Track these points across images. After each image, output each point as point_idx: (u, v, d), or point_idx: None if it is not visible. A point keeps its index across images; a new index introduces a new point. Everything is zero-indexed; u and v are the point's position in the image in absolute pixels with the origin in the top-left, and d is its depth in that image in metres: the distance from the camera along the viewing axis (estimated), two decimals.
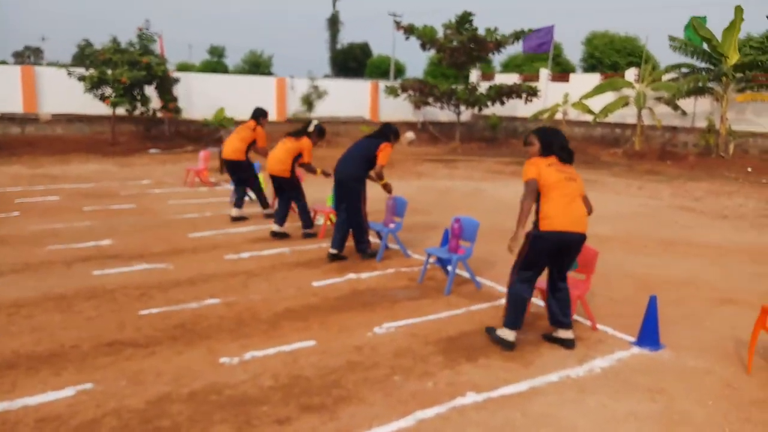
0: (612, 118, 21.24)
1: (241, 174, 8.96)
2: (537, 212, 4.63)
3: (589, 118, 22.18)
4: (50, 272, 6.18)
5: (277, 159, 7.83)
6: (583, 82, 23.46)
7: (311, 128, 8.04)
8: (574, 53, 72.22)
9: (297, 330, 4.89)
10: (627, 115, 21.29)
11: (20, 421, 3.46)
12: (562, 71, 29.75)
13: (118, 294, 5.58)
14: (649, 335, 4.69)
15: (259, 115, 9.02)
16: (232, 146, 8.86)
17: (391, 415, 3.65)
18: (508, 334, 4.63)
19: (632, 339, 4.86)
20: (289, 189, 7.97)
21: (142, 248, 7.18)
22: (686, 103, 20.04)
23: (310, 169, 8.03)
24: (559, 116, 22.91)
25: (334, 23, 56.70)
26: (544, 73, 25.10)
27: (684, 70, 19.85)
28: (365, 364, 4.32)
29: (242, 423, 3.52)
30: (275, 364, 4.27)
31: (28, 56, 65.10)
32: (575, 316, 5.18)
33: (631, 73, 22.27)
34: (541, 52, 24.13)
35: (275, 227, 7.90)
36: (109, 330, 4.78)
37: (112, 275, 6.13)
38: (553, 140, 4.79)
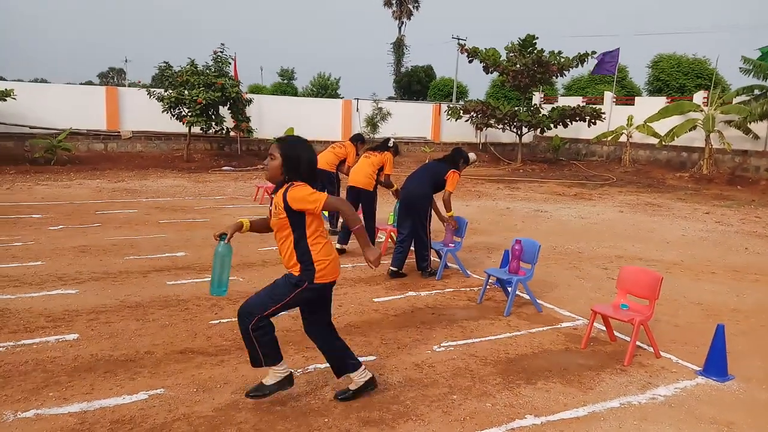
0: (678, 141, 20.63)
1: (328, 185, 9.16)
2: None
3: (653, 141, 21.63)
4: (128, 281, 6.57)
5: (362, 172, 8.16)
6: (648, 104, 22.95)
7: (390, 144, 8.33)
8: (639, 76, 70.46)
9: (358, 345, 5.02)
10: (694, 138, 20.65)
11: (97, 422, 3.70)
12: (627, 94, 29.10)
13: (191, 304, 5.88)
14: (715, 364, 4.56)
15: (357, 140, 9.71)
16: (326, 158, 9.22)
17: None
18: None
19: (698, 368, 4.74)
20: (367, 203, 8.21)
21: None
22: (759, 127, 19.26)
23: (388, 183, 8.30)
24: (623, 138, 22.47)
25: (399, 47, 57.43)
26: (609, 95, 24.73)
27: (756, 92, 19.14)
28: (424, 382, 4.40)
29: None
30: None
31: (112, 77, 69.06)
32: (638, 343, 5.10)
33: (699, 96, 21.65)
34: (606, 74, 23.82)
35: (338, 246, 8.10)
36: (181, 338, 5.05)
37: (185, 286, 6.47)
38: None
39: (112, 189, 13.62)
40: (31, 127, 18.71)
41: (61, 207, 11.00)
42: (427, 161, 7.47)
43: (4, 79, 19.97)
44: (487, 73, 23.34)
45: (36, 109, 18.81)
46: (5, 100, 16.98)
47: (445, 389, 4.29)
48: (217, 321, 5.45)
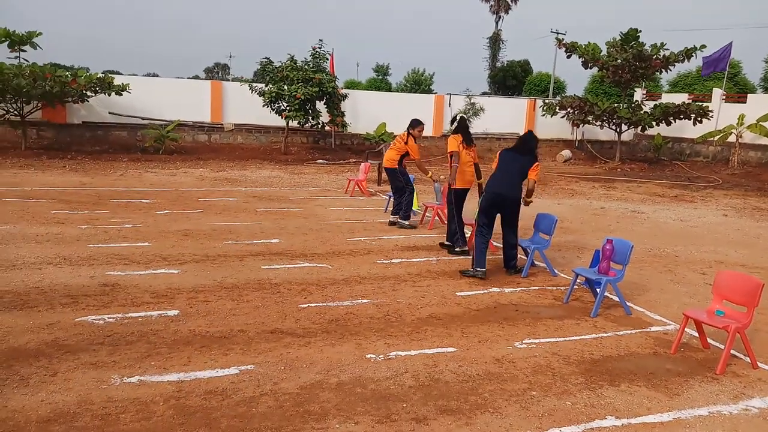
0: None
1: (396, 182, 9.47)
2: None
3: (766, 141, 20.13)
4: (225, 264, 6.98)
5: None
6: (763, 103, 21.37)
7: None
8: (755, 72, 65.40)
9: (439, 336, 5.09)
10: None
11: (192, 391, 3.99)
12: (739, 91, 27.19)
13: (282, 288, 6.17)
14: None
15: (409, 126, 9.49)
16: (388, 156, 9.56)
17: (526, 428, 3.70)
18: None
19: None
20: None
21: (305, 248, 7.83)
22: None
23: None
24: (731, 139, 21.04)
25: (495, 41, 56.60)
26: (717, 92, 23.23)
27: None
28: (503, 376, 4.40)
29: (383, 416, 3.77)
30: (417, 365, 4.50)
31: (217, 72, 72.64)
32: (733, 351, 4.84)
33: None
34: (717, 71, 22.38)
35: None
36: (272, 319, 5.32)
37: (278, 270, 6.79)
38: None
39: (214, 178, 14.41)
40: (143, 118, 20.10)
41: (168, 193, 11.78)
42: (500, 153, 7.29)
43: (121, 74, 21.55)
44: (586, 69, 22.62)
45: (147, 102, 20.16)
46: (121, 93, 18.31)
47: (525, 385, 4.28)
48: (306, 305, 5.69)
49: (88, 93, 17.91)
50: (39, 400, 3.75)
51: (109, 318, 5.14)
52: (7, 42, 17.94)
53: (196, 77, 54.14)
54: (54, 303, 5.43)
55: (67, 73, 17.79)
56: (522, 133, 8.16)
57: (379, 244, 8.26)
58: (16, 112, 17.36)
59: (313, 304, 5.73)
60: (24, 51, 18.27)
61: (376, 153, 17.71)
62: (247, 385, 4.08)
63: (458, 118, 8.00)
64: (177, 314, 5.31)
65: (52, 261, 6.73)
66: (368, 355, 4.64)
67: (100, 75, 18.28)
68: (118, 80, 18.56)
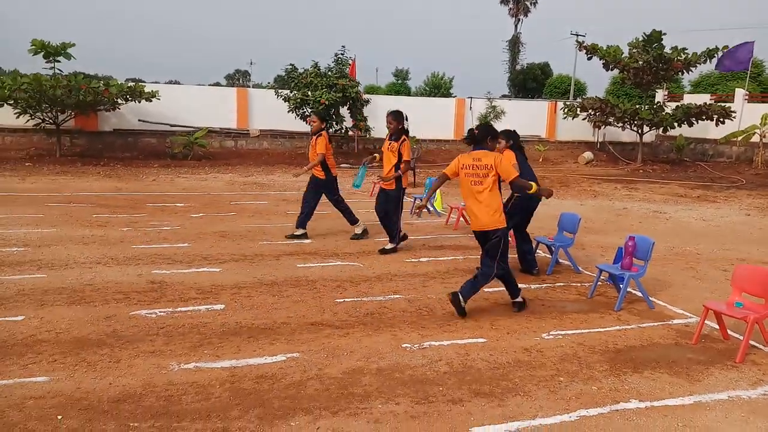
0: None
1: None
2: None
3: None
4: (263, 263, 7.34)
5: (387, 166, 8.06)
6: None
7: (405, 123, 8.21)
8: None
9: (469, 328, 5.38)
10: None
11: (245, 376, 4.34)
12: (763, 91, 27.03)
13: (318, 284, 6.51)
14: None
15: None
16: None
17: (555, 410, 3.98)
18: None
19: None
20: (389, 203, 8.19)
21: (337, 248, 8.18)
22: None
23: (407, 167, 8.01)
24: (755, 139, 20.99)
25: (515, 44, 56.71)
26: (740, 92, 23.17)
27: None
28: (532, 364, 4.68)
29: (421, 398, 4.07)
30: (449, 353, 4.80)
31: (238, 78, 73.61)
32: (752, 342, 5.06)
33: None
34: (738, 71, 22.31)
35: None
36: (311, 312, 5.66)
37: (313, 268, 7.13)
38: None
39: (243, 182, 14.84)
40: (171, 125, 20.67)
41: (200, 197, 12.22)
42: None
43: (144, 82, 22.16)
44: (606, 70, 22.72)
45: (174, 109, 20.72)
46: (151, 100, 18.87)
47: (553, 371, 4.55)
48: (342, 300, 6.02)
49: (119, 101, 18.49)
50: (107, 383, 4.12)
51: (160, 312, 5.51)
52: (43, 53, 18.61)
53: (218, 84, 55.04)
54: (108, 299, 5.82)
55: (100, 83, 18.40)
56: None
57: (406, 243, 8.56)
58: (51, 120, 18.00)
59: (348, 299, 6.05)
60: (59, 62, 18.93)
61: None
62: (294, 371, 4.41)
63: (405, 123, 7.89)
64: (223, 308, 5.67)
65: (100, 261, 7.15)
66: (404, 345, 4.95)
67: (131, 84, 18.87)
68: (146, 89, 19.13)
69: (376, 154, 8.77)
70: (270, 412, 3.81)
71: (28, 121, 18.04)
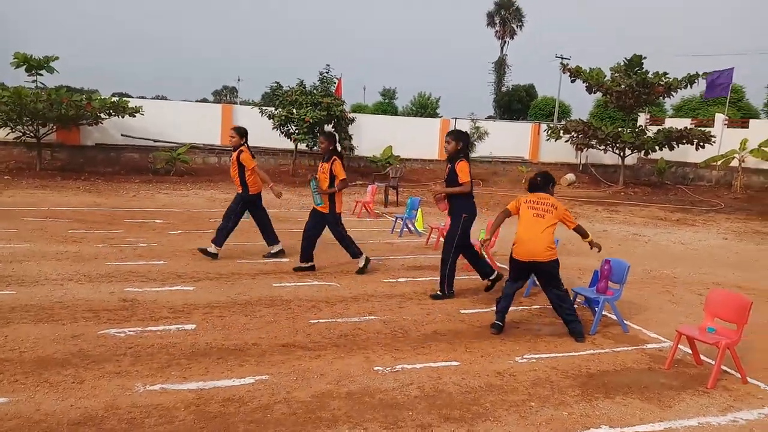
0: None
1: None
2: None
3: None
4: (238, 282, 7.25)
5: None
6: (765, 128, 21.72)
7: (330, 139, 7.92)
8: (758, 97, 65.79)
9: (443, 350, 5.34)
10: None
11: (211, 398, 4.25)
12: (743, 116, 27.53)
13: (293, 304, 6.44)
14: None
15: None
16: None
17: None
18: None
19: None
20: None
21: (316, 267, 8.10)
22: None
23: (342, 186, 7.88)
24: (734, 163, 21.33)
25: (500, 66, 57.42)
26: (720, 117, 23.62)
27: None
28: (504, 388, 4.64)
29: (390, 423, 4.01)
30: (422, 377, 4.75)
31: (225, 95, 73.63)
32: (724, 367, 5.07)
33: None
34: (718, 96, 22.73)
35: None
36: (284, 333, 5.58)
37: (288, 288, 7.06)
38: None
39: (225, 199, 14.74)
40: (155, 141, 20.56)
41: (179, 214, 12.12)
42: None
43: (130, 96, 22.12)
44: (590, 93, 23.02)
45: (159, 124, 20.65)
46: (134, 116, 18.79)
47: (524, 396, 4.51)
48: (316, 320, 5.95)
49: (102, 116, 18.39)
50: (69, 405, 4.01)
51: (129, 331, 5.41)
52: (25, 66, 18.51)
53: (205, 100, 54.99)
54: (77, 317, 5.71)
55: (83, 96, 18.31)
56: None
57: (385, 263, 8.52)
58: (32, 134, 17.84)
59: (322, 320, 5.99)
60: (41, 75, 18.83)
61: (383, 176, 18.06)
62: (262, 394, 4.33)
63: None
64: (194, 328, 5.58)
65: (72, 277, 7.03)
66: (376, 368, 4.88)
67: (114, 99, 18.79)
68: (131, 104, 19.05)
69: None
70: None
71: (8, 134, 17.86)
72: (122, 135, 20.45)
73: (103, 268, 7.50)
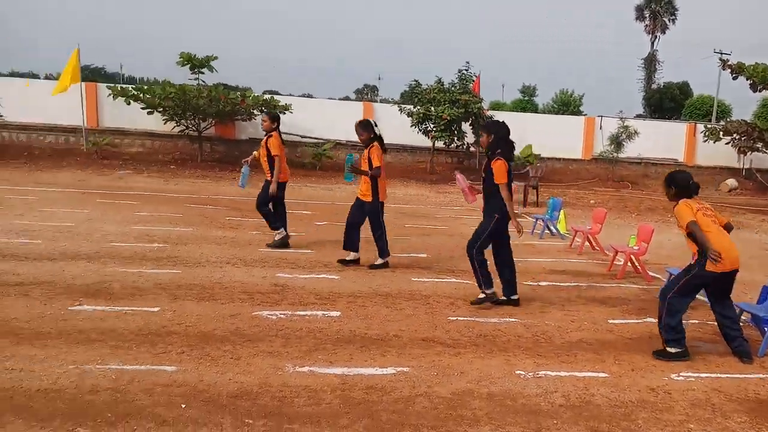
0: None
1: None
2: None
3: None
4: (379, 273, 7.41)
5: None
6: None
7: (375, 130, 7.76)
8: None
9: (590, 360, 5.08)
10: None
11: (355, 384, 4.36)
12: None
13: (432, 300, 6.46)
14: None
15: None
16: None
17: None
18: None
19: None
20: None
21: (452, 265, 8.10)
22: None
23: (375, 173, 7.60)
24: None
25: (650, 62, 53.84)
26: None
27: None
28: (658, 406, 4.32)
29: (533, 429, 3.87)
30: (566, 385, 4.55)
31: (366, 93, 75.86)
32: None
33: None
34: None
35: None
36: (423, 327, 5.62)
37: (426, 283, 7.11)
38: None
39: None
40: (302, 136, 21.62)
41: (325, 207, 12.65)
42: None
43: (279, 94, 23.42)
44: (754, 92, 20.86)
45: (307, 121, 21.67)
46: (283, 113, 19.90)
47: (682, 417, 4.17)
48: (455, 318, 5.93)
49: (255, 112, 19.68)
50: (227, 378, 4.31)
51: (280, 314, 5.72)
52: (189, 65, 20.24)
53: (347, 98, 57.01)
54: (234, 297, 6.14)
55: (237, 94, 19.69)
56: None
57: (525, 266, 8.30)
58: (194, 127, 19.49)
59: (461, 318, 5.95)
60: (202, 73, 20.49)
61: (522, 175, 17.61)
62: (403, 385, 4.38)
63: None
64: (338, 315, 5.78)
65: (229, 261, 7.58)
66: (517, 371, 4.76)
67: (266, 97, 20.02)
68: (281, 101, 20.19)
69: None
70: (378, 424, 3.80)
71: (174, 128, 19.66)
72: None
73: (257, 254, 8.01)
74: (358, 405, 4.04)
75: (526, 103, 46.10)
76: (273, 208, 8.51)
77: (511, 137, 6.45)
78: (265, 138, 8.46)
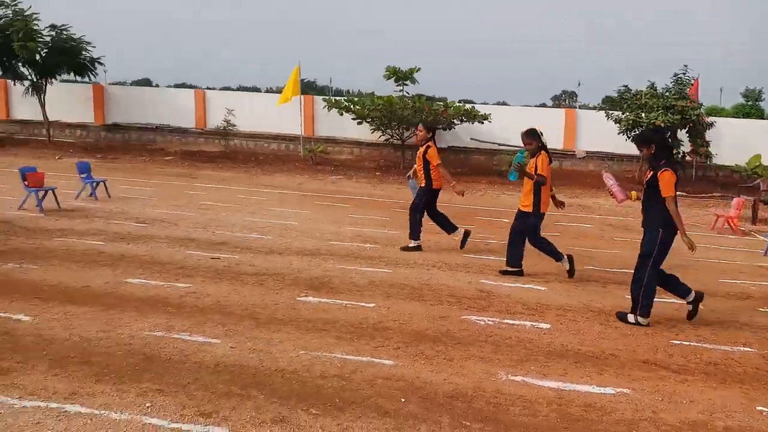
0: None
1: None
2: None
3: None
4: (589, 288, 7.10)
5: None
6: None
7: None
8: None
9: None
10: None
11: (572, 400, 4.20)
12: None
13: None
14: None
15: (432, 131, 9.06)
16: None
17: None
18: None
19: None
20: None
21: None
22: None
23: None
24: None
25: None
26: None
27: None
28: None
29: None
30: None
31: (564, 99, 73.16)
32: None
33: None
34: None
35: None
36: (642, 349, 5.25)
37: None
38: None
39: (568, 204, 14.55)
40: (499, 144, 21.52)
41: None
42: None
43: (473, 102, 23.51)
44: None
45: (503, 129, 21.50)
46: (482, 122, 20.02)
47: None
48: (679, 342, 5.46)
49: (455, 121, 20.02)
50: (442, 378, 4.44)
51: (488, 320, 5.75)
52: (394, 77, 21.24)
53: (543, 105, 55.50)
54: (441, 300, 6.31)
55: (440, 104, 20.20)
56: None
57: (760, 289, 7.38)
58: (398, 136, 20.39)
59: (685, 342, 5.47)
60: (406, 85, 21.36)
61: (751, 188, 15.66)
62: (625, 407, 4.15)
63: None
64: (548, 328, 5.65)
65: (435, 264, 7.80)
66: (759, 407, 4.25)
67: (467, 107, 20.29)
68: (480, 110, 20.30)
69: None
70: None
71: (380, 137, 20.75)
72: (471, 139, 21.91)
73: (461, 259, 8.14)
74: (577, 422, 3.91)
75: (749, 109, 40.94)
76: (433, 216, 8.80)
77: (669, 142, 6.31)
78: (423, 148, 8.66)
